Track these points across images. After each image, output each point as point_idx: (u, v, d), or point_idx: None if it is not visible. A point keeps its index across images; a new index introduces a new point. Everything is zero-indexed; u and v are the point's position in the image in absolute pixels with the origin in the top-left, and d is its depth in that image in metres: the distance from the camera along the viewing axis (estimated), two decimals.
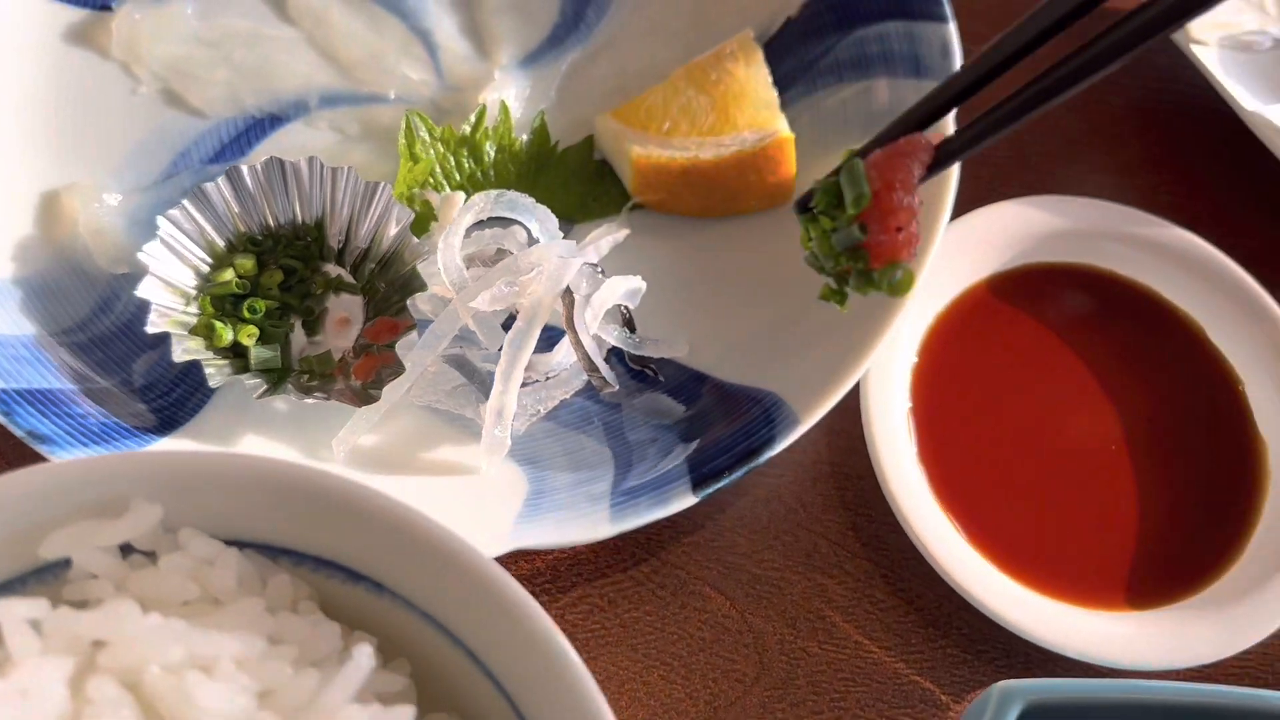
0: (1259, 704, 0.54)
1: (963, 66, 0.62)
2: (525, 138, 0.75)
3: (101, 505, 0.46)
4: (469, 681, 0.50)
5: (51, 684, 0.40)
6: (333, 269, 0.70)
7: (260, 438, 0.65)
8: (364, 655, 0.44)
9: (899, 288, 0.58)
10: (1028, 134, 0.86)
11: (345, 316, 0.69)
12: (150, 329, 0.63)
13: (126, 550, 0.48)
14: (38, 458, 0.59)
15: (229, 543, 0.49)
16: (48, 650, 0.42)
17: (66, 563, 0.47)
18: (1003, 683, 0.53)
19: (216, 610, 0.46)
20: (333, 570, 0.50)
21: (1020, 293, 0.76)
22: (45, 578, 0.47)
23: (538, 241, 0.69)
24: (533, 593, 0.69)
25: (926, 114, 0.62)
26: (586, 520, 0.61)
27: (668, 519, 0.71)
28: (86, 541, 0.46)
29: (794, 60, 0.78)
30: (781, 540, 0.72)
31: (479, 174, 0.74)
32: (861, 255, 0.58)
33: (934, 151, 0.60)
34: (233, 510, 0.48)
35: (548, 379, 0.68)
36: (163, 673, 0.42)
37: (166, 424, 0.64)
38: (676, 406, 0.69)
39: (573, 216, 0.75)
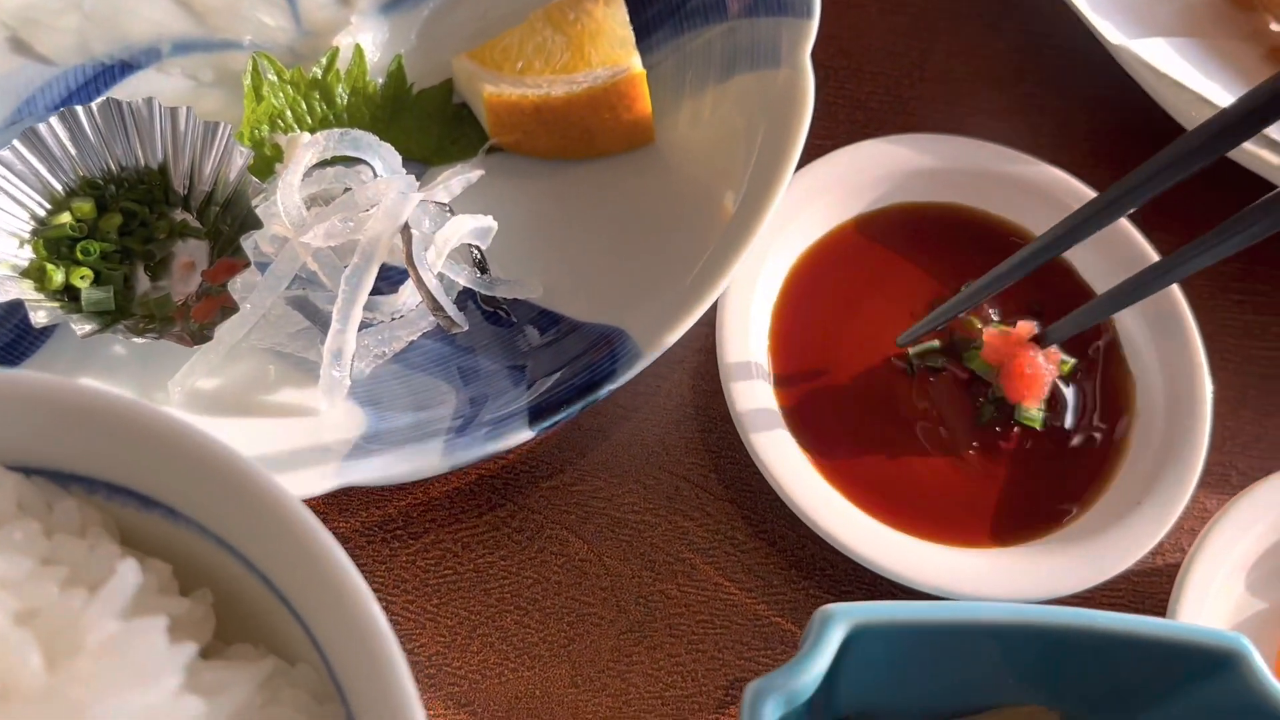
0: (1088, 624, 0.53)
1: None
2: (381, 81, 0.74)
3: None
4: (268, 609, 0.48)
5: None
6: (178, 213, 0.68)
7: (95, 383, 0.64)
8: (128, 569, 0.43)
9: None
10: (905, 77, 0.85)
11: (190, 261, 0.68)
12: None
13: None
14: None
15: (13, 468, 0.47)
16: None
17: None
18: (823, 607, 0.52)
19: None
20: (127, 497, 0.48)
21: (888, 233, 0.75)
22: None
23: None
24: (383, 539, 0.68)
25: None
26: (418, 456, 0.60)
27: (526, 464, 0.70)
28: None
29: (661, 3, 0.77)
30: (642, 483, 0.70)
31: (331, 117, 0.72)
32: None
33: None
34: (16, 433, 0.47)
35: (393, 319, 0.66)
36: None
37: None
38: (528, 346, 0.68)
39: (429, 159, 0.74)
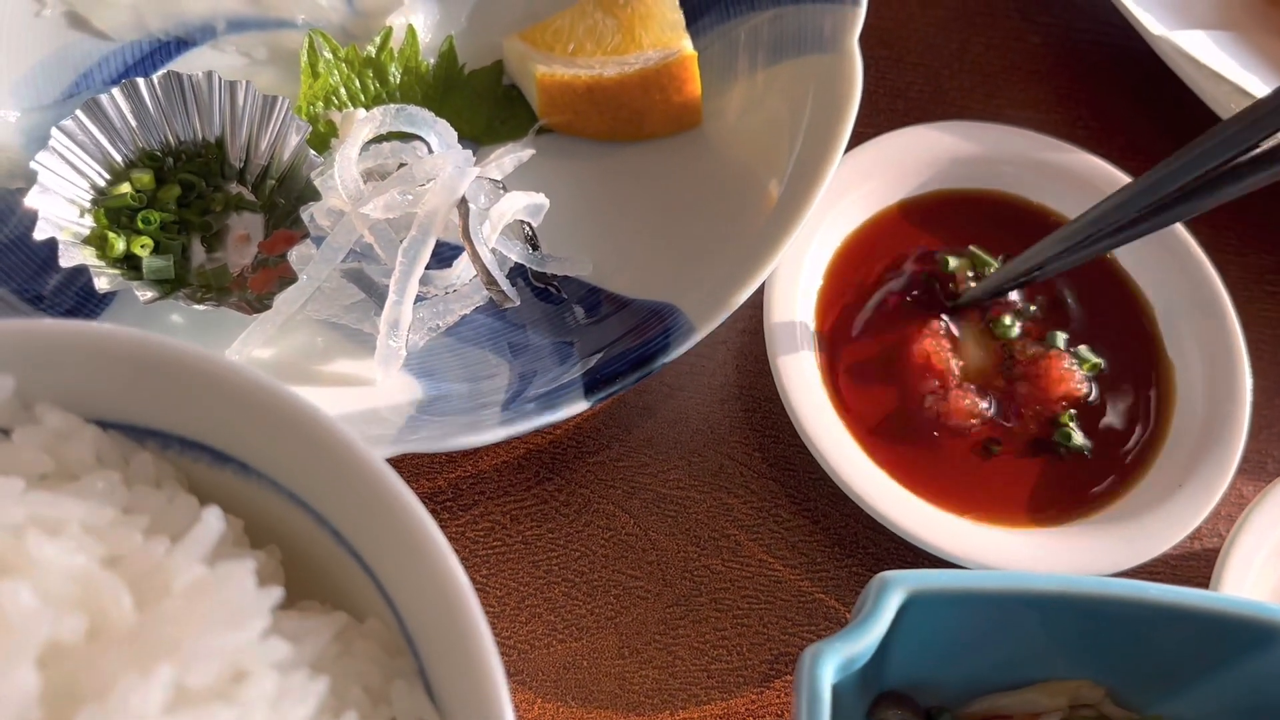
0: (1137, 595, 0.54)
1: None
2: (433, 61, 0.75)
3: None
4: (337, 565, 0.49)
5: None
6: (234, 187, 0.69)
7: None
8: (213, 516, 0.43)
9: None
10: (945, 68, 0.86)
11: (245, 234, 0.69)
12: (38, 235, 0.62)
13: None
14: None
15: (91, 421, 0.48)
16: None
17: None
18: (881, 574, 0.53)
19: (71, 483, 0.46)
20: (199, 452, 0.49)
21: (931, 217, 0.76)
22: None
23: None
24: (433, 511, 0.68)
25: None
26: (475, 425, 0.61)
27: (574, 440, 0.71)
28: None
29: None
30: (688, 460, 0.71)
31: (384, 95, 0.73)
32: None
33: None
34: (94, 387, 0.48)
35: (447, 294, 0.67)
36: (1, 532, 0.42)
37: None
38: (578, 321, 0.69)
39: (479, 139, 0.75)
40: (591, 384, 0.62)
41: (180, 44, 0.75)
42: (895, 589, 0.53)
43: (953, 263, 0.73)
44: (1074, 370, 0.70)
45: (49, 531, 0.42)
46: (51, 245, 0.63)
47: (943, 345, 0.70)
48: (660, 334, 0.64)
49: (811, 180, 0.67)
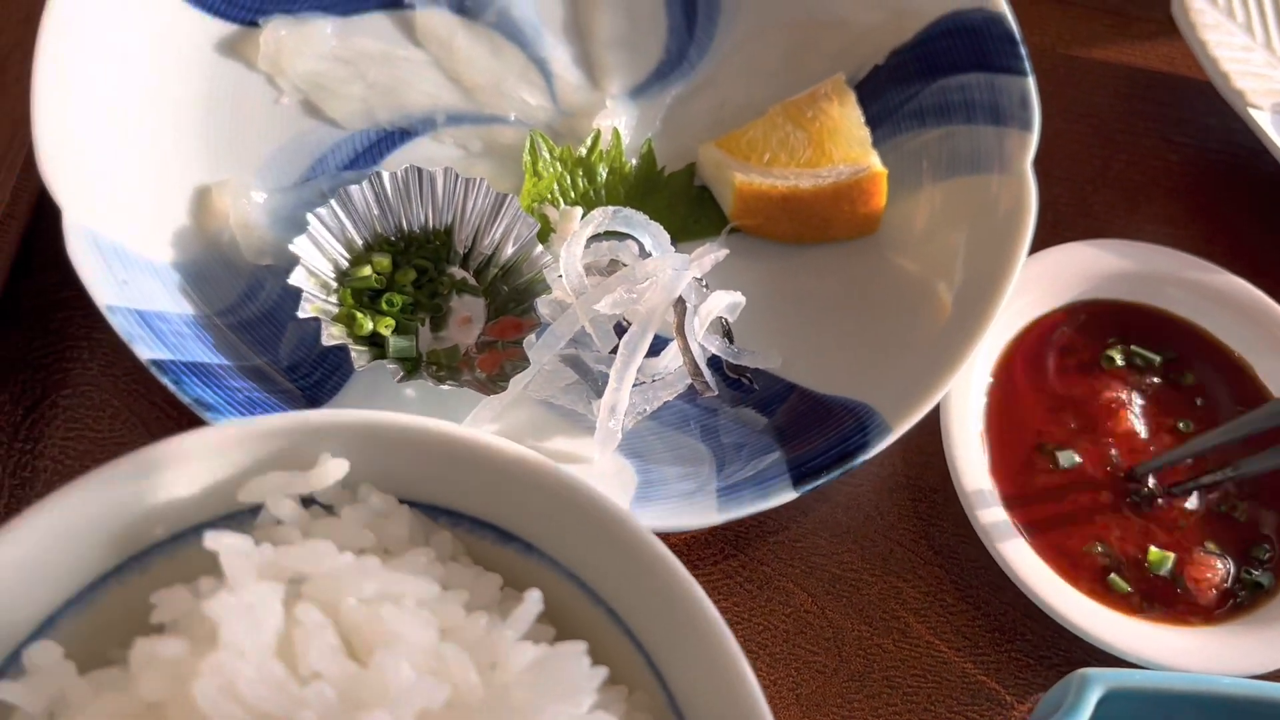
0: None
1: None
2: (634, 162, 0.82)
3: (290, 458, 0.52)
4: (608, 639, 0.54)
5: (272, 603, 0.45)
6: (458, 271, 0.76)
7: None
8: (534, 599, 0.49)
9: None
10: (1089, 183, 0.92)
11: (468, 316, 0.75)
12: (301, 314, 0.68)
13: (307, 502, 0.53)
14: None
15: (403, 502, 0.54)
16: (261, 576, 0.47)
17: (255, 510, 0.52)
18: (1084, 669, 0.58)
19: (391, 558, 0.51)
20: (486, 530, 0.55)
21: (1085, 325, 0.82)
22: (236, 522, 0.52)
23: (649, 255, 0.75)
24: None
25: None
26: (696, 508, 0.67)
27: (755, 519, 0.76)
28: (282, 490, 0.51)
29: (880, 104, 0.85)
30: (860, 544, 0.77)
31: (591, 192, 0.80)
32: None
33: None
34: (403, 469, 0.53)
35: (654, 381, 0.73)
36: (358, 604, 0.47)
37: (311, 402, 0.70)
38: (768, 412, 0.75)
39: (675, 236, 0.80)
40: (799, 476, 0.68)
41: (403, 134, 0.81)
42: (1095, 685, 0.58)
43: (1117, 358, 0.79)
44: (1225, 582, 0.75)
45: (395, 605, 0.48)
46: (300, 320, 0.69)
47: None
48: (857, 431, 0.70)
49: (992, 294, 0.73)
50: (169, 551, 0.52)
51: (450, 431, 0.53)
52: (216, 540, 0.47)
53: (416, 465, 0.54)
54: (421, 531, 0.54)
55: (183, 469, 0.50)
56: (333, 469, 0.51)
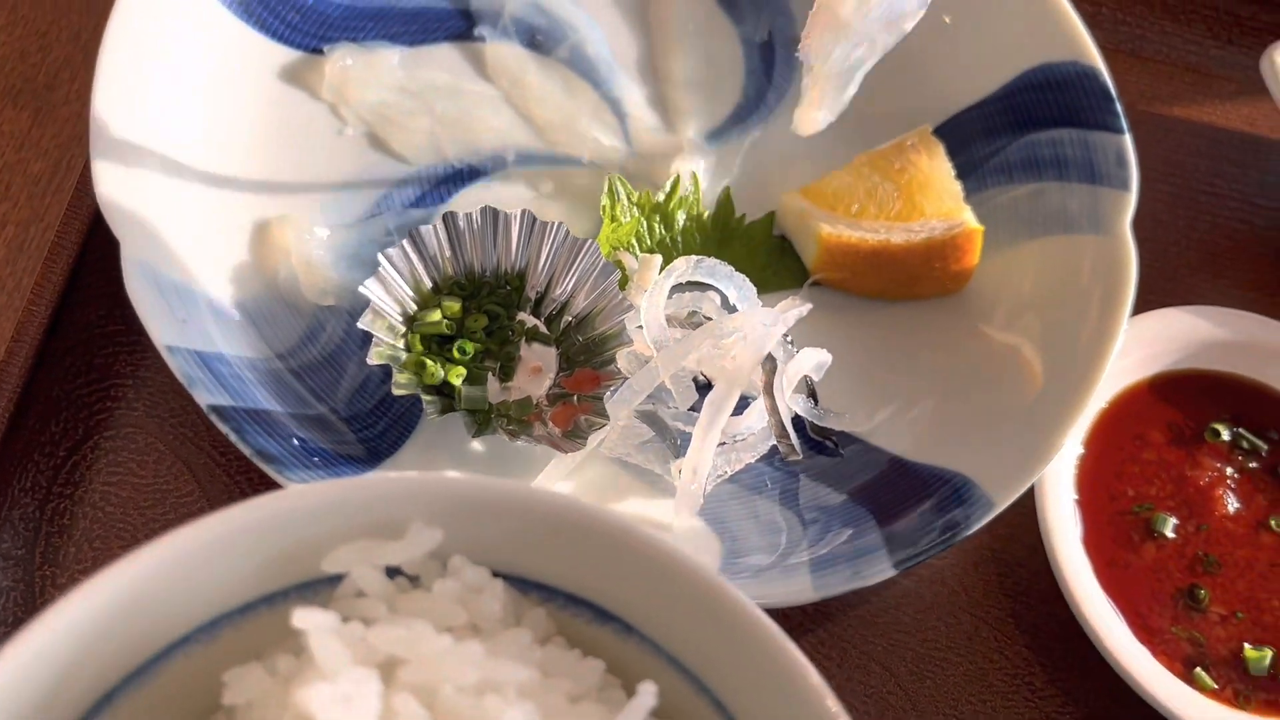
0: None
1: None
2: (711, 210, 0.78)
3: (378, 525, 0.47)
4: None
5: (369, 694, 0.41)
6: (529, 319, 0.72)
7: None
8: (648, 693, 0.44)
9: None
10: (1173, 245, 0.89)
11: (539, 365, 0.71)
12: (371, 361, 0.64)
13: (392, 572, 0.48)
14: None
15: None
16: (355, 659, 0.42)
17: (336, 579, 0.48)
18: None
19: (484, 639, 0.47)
20: (582, 608, 0.51)
21: (1177, 395, 0.78)
22: (311, 591, 0.48)
23: (733, 307, 0.71)
24: None
25: None
26: (789, 583, 0.63)
27: None
28: (368, 559, 0.47)
29: (965, 156, 0.81)
30: (944, 621, 0.72)
31: (668, 240, 0.76)
32: None
33: None
34: (497, 539, 0.49)
35: (736, 441, 0.69)
36: (456, 693, 0.43)
37: (373, 455, 0.65)
38: (852, 478, 0.71)
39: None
40: (896, 551, 0.64)
41: (473, 172, 0.78)
42: None
43: (1224, 434, 0.75)
44: None
45: (497, 694, 0.43)
46: (360, 365, 0.65)
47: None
48: (956, 504, 0.66)
49: (1096, 362, 0.70)
50: (237, 622, 0.48)
51: (559, 500, 0.49)
52: (305, 619, 0.43)
53: (514, 535, 0.49)
54: (514, 609, 0.50)
55: (265, 532, 0.45)
56: (425, 539, 0.47)
